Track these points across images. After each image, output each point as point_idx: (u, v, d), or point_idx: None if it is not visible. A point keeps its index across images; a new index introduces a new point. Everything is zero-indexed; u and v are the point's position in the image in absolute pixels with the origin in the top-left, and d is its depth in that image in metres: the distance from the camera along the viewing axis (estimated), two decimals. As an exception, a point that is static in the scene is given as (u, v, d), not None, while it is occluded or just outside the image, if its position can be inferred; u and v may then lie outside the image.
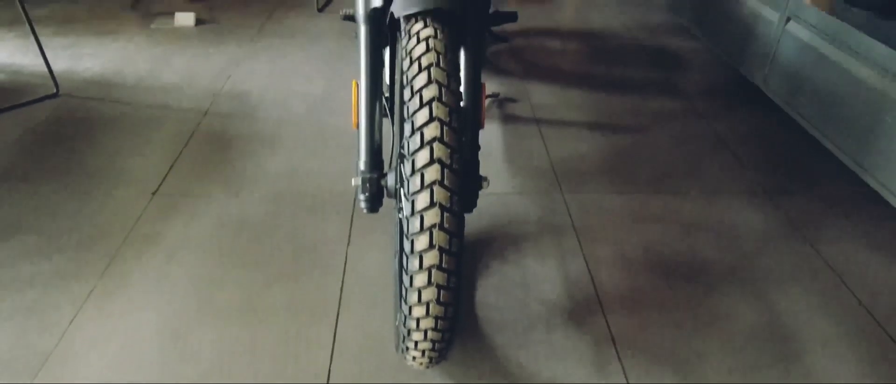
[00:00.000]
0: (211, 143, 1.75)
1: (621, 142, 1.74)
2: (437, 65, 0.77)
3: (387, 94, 1.23)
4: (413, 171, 0.74)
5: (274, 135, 1.78)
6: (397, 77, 1.09)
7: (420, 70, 0.76)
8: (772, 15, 1.75)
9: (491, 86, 2.04)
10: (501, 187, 1.54)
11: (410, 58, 0.79)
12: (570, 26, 2.61)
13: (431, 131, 0.74)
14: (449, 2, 0.85)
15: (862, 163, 1.42)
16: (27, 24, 1.96)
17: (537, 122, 1.83)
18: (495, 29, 2.02)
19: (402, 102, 0.79)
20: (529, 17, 2.69)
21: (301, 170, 1.62)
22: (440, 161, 0.73)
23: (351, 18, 1.57)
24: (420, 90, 0.75)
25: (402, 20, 0.87)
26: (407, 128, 0.76)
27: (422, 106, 0.75)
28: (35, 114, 1.93)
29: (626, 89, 2.05)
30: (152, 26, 2.66)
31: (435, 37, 0.80)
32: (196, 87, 2.09)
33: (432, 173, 0.73)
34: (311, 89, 2.05)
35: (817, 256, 1.33)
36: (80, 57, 2.35)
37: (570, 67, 2.21)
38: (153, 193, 1.54)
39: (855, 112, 1.43)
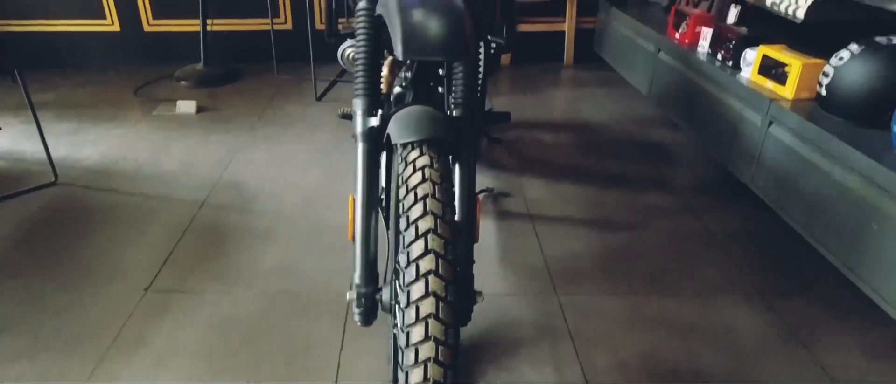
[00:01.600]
0: (206, 236, 1.76)
1: (615, 239, 1.76)
2: (433, 195, 0.79)
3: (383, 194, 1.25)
4: (408, 303, 0.75)
5: (269, 228, 1.79)
6: (393, 190, 1.11)
7: (416, 200, 0.78)
8: (754, 117, 1.81)
9: (485, 180, 2.08)
10: (495, 288, 1.54)
11: (406, 186, 0.81)
12: (562, 118, 2.69)
13: (427, 264, 0.75)
14: (445, 131, 0.88)
15: (853, 267, 1.43)
16: (25, 96, 1.99)
17: (531, 217, 1.86)
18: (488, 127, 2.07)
19: (398, 230, 0.81)
20: (522, 110, 2.78)
21: (295, 267, 1.61)
22: (435, 294, 0.74)
23: (348, 117, 1.62)
24: (416, 221, 0.77)
25: (398, 146, 0.90)
26: (402, 258, 0.77)
27: (417, 237, 0.76)
28: (32, 203, 1.94)
29: (618, 183, 2.09)
30: (154, 113, 2.72)
31: (431, 166, 0.82)
32: (194, 176, 2.12)
33: (427, 306, 0.73)
34: (308, 180, 2.08)
35: (815, 363, 1.32)
36: (81, 143, 2.39)
37: (562, 160, 2.26)
38: (145, 289, 1.53)
39: (842, 217, 1.46)
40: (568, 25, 3.40)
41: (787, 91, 1.74)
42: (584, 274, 1.60)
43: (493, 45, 1.28)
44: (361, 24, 1.01)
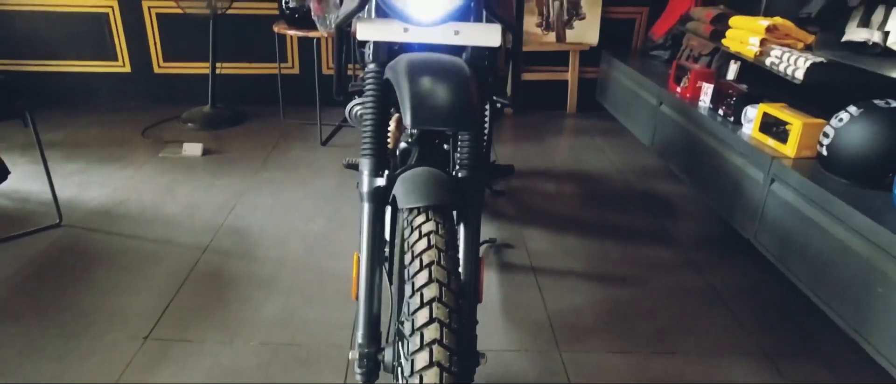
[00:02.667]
0: (208, 283, 1.75)
1: (618, 294, 1.75)
2: (439, 263, 0.79)
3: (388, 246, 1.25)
4: (412, 372, 0.74)
5: (272, 277, 1.78)
6: (398, 247, 1.12)
7: (421, 268, 0.79)
8: (756, 174, 1.83)
9: (488, 230, 2.08)
10: (498, 343, 1.52)
11: (412, 252, 0.82)
12: (565, 168, 2.71)
13: (431, 333, 0.75)
14: (450, 196, 0.89)
15: (858, 329, 1.42)
16: (35, 139, 2.01)
17: (534, 270, 1.85)
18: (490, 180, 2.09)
19: (402, 292, 0.81)
20: (525, 158, 2.80)
21: (297, 317, 1.60)
22: (439, 364, 0.74)
23: (353, 167, 1.63)
24: (421, 289, 0.77)
25: (404, 210, 0.91)
26: (407, 325, 0.77)
27: (422, 305, 0.76)
28: (35, 245, 1.94)
29: (620, 236, 2.09)
30: (161, 155, 2.75)
31: (436, 232, 0.83)
32: (198, 220, 2.13)
33: (431, 377, 0.73)
34: (311, 228, 2.09)
35: (822, 429, 1.30)
36: (88, 184, 2.41)
37: (565, 211, 2.27)
38: (145, 338, 1.52)
39: (846, 278, 1.45)
40: (571, 75, 3.46)
41: (789, 149, 1.76)
42: (588, 330, 1.59)
43: (499, 104, 1.31)
44: (370, 86, 1.04)
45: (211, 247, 1.95)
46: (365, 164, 1.03)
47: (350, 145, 2.93)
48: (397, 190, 0.95)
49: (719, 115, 2.14)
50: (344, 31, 1.06)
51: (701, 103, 2.29)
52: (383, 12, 1.02)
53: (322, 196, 2.34)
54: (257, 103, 3.48)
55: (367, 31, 1.01)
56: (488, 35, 1.00)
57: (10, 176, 1.94)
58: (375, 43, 1.04)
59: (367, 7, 1.08)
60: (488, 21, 1.04)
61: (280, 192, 2.38)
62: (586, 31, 3.34)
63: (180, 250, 1.92)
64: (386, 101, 1.05)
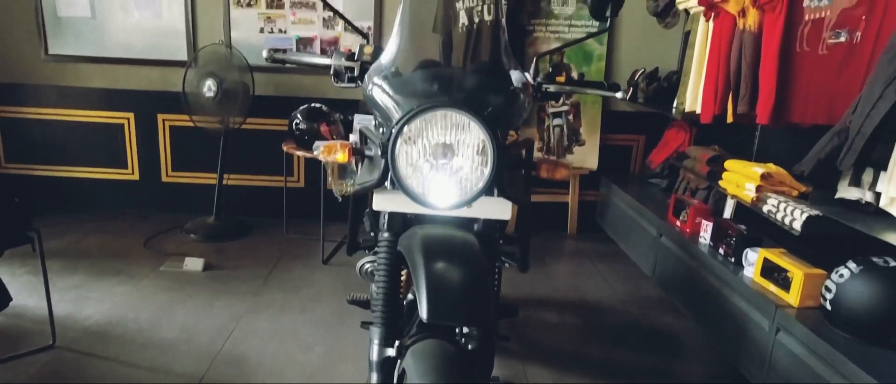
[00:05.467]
0: (200, 422, 1.69)
1: (624, 446, 1.69)
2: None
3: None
4: None
5: (266, 416, 1.72)
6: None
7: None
8: (761, 320, 1.82)
9: (490, 367, 2.04)
10: None
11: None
12: (567, 296, 2.70)
13: None
14: (461, 380, 0.89)
15: None
16: (39, 259, 2.00)
17: (538, 416, 1.80)
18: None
19: None
20: (526, 285, 2.79)
21: (290, 466, 1.53)
22: None
23: (357, 303, 1.62)
24: None
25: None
26: None
27: None
28: (25, 369, 1.89)
29: (625, 376, 2.05)
30: (161, 268, 2.74)
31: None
32: (195, 344, 2.09)
33: None
34: (310, 358, 2.04)
35: None
36: (85, 300, 2.38)
37: (569, 346, 2.23)
38: None
39: (860, 444, 1.41)
40: (571, 198, 3.54)
41: (792, 298, 1.76)
42: None
43: (507, 265, 1.33)
44: (383, 256, 1.06)
45: (205, 378, 1.89)
46: (375, 333, 1.03)
47: (352, 265, 2.93)
48: (408, 365, 0.94)
49: (720, 254, 2.16)
50: (360, 198, 1.10)
51: (701, 240, 2.32)
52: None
53: (322, 323, 2.30)
54: (261, 214, 3.52)
55: (384, 202, 1.04)
56: (500, 209, 1.04)
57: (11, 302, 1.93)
58: (390, 213, 1.07)
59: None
60: (499, 195, 1.08)
61: (280, 315, 2.35)
62: (586, 156, 3.46)
63: (174, 381, 1.87)
64: (398, 268, 1.07)
